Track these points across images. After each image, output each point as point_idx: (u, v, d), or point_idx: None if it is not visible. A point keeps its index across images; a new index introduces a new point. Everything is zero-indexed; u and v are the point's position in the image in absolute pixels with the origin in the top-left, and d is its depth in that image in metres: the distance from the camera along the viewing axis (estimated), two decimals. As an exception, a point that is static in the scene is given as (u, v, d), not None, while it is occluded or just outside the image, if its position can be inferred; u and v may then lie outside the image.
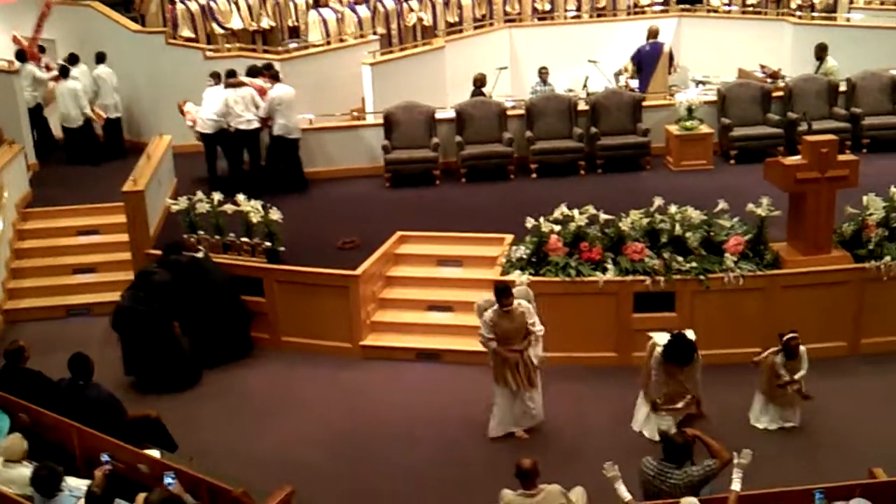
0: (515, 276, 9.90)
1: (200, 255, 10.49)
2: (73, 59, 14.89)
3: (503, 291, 8.54)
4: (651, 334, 8.88)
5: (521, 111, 13.94)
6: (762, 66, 15.74)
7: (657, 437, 7.71)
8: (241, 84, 13.15)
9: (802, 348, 8.62)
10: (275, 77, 13.29)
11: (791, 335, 8.55)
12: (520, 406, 8.81)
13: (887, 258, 9.82)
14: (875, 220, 10.05)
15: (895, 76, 14.15)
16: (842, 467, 7.71)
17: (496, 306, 8.51)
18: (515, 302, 8.52)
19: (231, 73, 13.29)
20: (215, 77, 13.38)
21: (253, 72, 13.56)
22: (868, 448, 8.24)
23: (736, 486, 6.61)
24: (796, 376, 8.54)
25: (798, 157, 10.02)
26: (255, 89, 13.18)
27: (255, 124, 13.15)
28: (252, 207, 10.80)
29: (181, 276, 10.20)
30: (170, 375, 9.97)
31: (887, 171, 11.86)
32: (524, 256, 10.16)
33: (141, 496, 6.48)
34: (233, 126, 13.10)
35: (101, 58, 14.82)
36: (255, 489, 6.96)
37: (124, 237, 11.59)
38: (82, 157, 14.59)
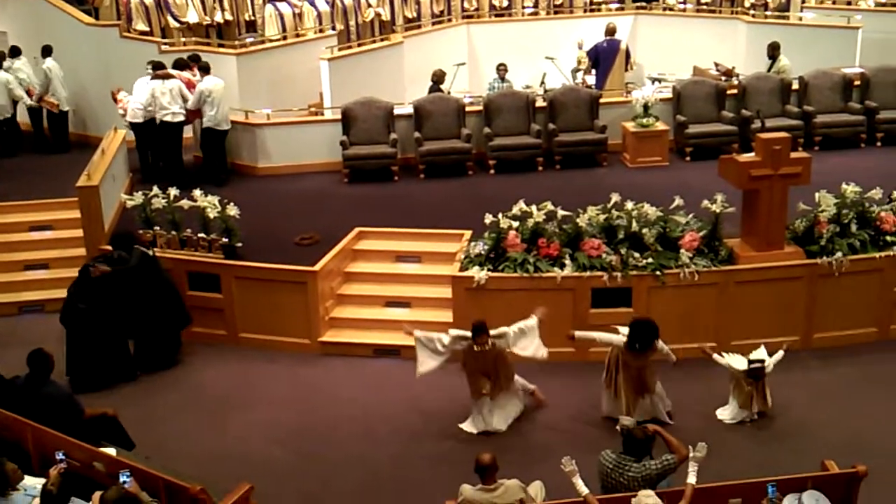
0: (474, 272, 9.94)
1: (150, 253, 10.39)
2: (13, 52, 14.87)
3: (479, 329, 8.62)
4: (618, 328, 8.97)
5: (480, 107, 13.98)
6: (716, 64, 15.93)
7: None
8: (169, 76, 13.20)
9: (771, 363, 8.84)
10: (204, 69, 13.32)
11: (758, 364, 8.74)
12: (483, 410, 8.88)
13: (838, 254, 9.99)
14: (827, 216, 10.21)
15: (846, 75, 14.40)
16: (794, 460, 7.86)
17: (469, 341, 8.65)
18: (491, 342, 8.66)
19: (158, 66, 13.32)
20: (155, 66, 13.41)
21: (180, 64, 13.57)
22: (820, 440, 8.40)
23: (692, 479, 6.71)
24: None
25: (752, 154, 10.16)
26: (183, 82, 13.26)
27: (181, 117, 13.23)
28: (209, 203, 10.71)
29: (125, 272, 10.06)
30: (105, 372, 9.89)
31: (839, 169, 12.06)
32: (482, 252, 10.20)
33: (97, 495, 6.41)
34: (158, 117, 13.16)
35: (47, 51, 14.70)
36: (214, 486, 6.92)
37: (78, 233, 11.43)
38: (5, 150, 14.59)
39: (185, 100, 13.15)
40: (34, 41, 14.99)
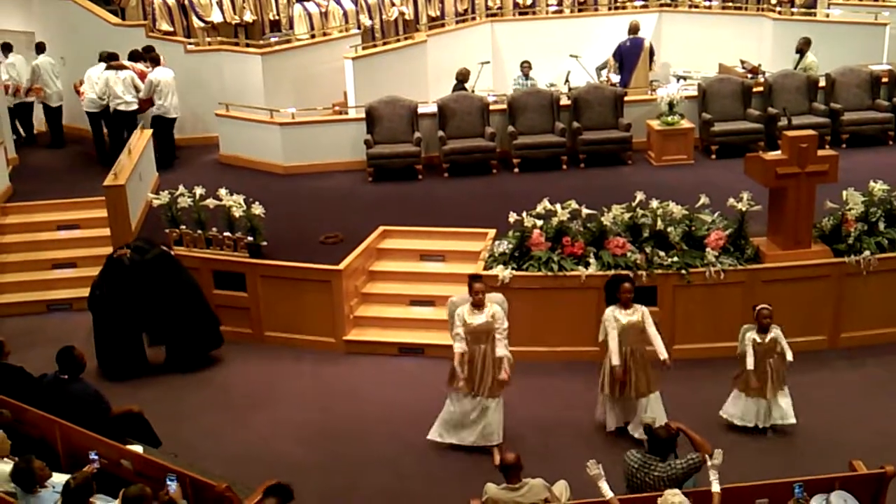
0: (498, 270, 9.93)
1: (170, 252, 10.48)
2: (4, 48, 15.29)
3: (475, 277, 8.55)
4: None
5: (504, 106, 13.96)
6: (742, 62, 15.80)
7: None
8: (122, 66, 13.82)
9: (778, 331, 8.56)
10: (154, 61, 13.90)
11: (763, 306, 8.56)
12: (467, 416, 8.54)
13: (866, 253, 9.91)
14: (854, 215, 10.12)
15: (874, 72, 14.26)
16: (822, 460, 7.80)
17: (468, 303, 8.46)
18: (489, 305, 8.42)
19: (112, 56, 13.91)
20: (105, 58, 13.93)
21: (134, 56, 14.11)
22: (848, 441, 8.33)
23: (715, 487, 6.62)
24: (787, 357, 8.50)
25: (778, 152, 10.08)
26: (136, 73, 13.81)
27: (134, 106, 13.82)
28: (234, 202, 10.76)
29: (141, 263, 10.12)
30: (119, 361, 10.02)
31: (866, 166, 11.95)
32: (507, 251, 10.18)
33: (124, 491, 6.47)
34: (112, 106, 13.77)
35: (40, 48, 15.21)
36: (239, 484, 6.97)
37: (105, 232, 11.53)
38: None
39: (137, 90, 13.79)
40: (60, 41, 15.15)
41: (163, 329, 10.26)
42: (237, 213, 10.71)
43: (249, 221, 10.75)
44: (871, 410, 8.94)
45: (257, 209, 10.77)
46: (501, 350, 8.36)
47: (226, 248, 10.82)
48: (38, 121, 15.66)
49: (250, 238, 10.73)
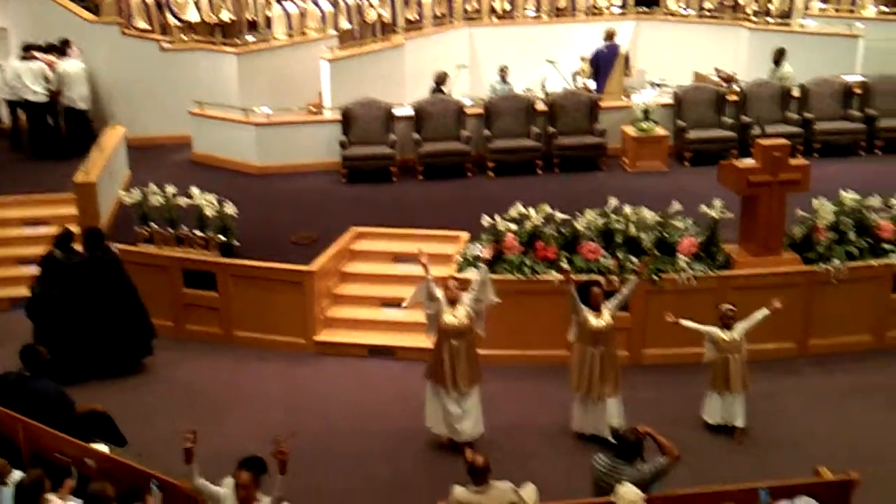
0: (471, 274, 9.92)
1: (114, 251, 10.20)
2: None
3: (450, 279, 8.57)
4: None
5: (480, 110, 13.96)
6: (717, 70, 15.92)
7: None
8: (33, 57, 14.09)
9: (742, 327, 8.65)
10: (62, 52, 14.19)
11: (727, 306, 8.65)
12: (447, 412, 8.56)
13: (836, 261, 9.98)
14: (825, 224, 10.20)
15: (847, 83, 14.39)
16: (788, 466, 7.83)
17: (444, 300, 8.45)
18: (463, 303, 8.44)
19: (27, 48, 14.24)
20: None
21: (46, 47, 14.39)
22: (814, 447, 8.37)
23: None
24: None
25: (751, 160, 10.15)
26: (46, 63, 14.07)
27: (42, 97, 14.04)
28: (206, 201, 10.70)
29: (76, 263, 9.92)
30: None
31: (837, 176, 12.04)
32: (480, 254, 10.17)
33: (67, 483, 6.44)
34: (24, 96, 14.06)
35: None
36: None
37: (75, 229, 11.38)
38: None
39: (47, 80, 13.99)
40: (33, 37, 14.97)
41: (98, 330, 9.94)
42: (209, 212, 10.66)
43: (221, 221, 10.69)
44: (838, 418, 8.99)
45: (230, 208, 10.72)
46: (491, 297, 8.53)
47: (197, 247, 10.75)
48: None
49: (222, 237, 10.67)
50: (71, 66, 14.10)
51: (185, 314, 10.83)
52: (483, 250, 9.80)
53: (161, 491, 6.62)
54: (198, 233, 10.72)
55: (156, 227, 10.85)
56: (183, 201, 10.78)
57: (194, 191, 10.82)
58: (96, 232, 10.22)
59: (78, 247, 10.15)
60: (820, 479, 6.92)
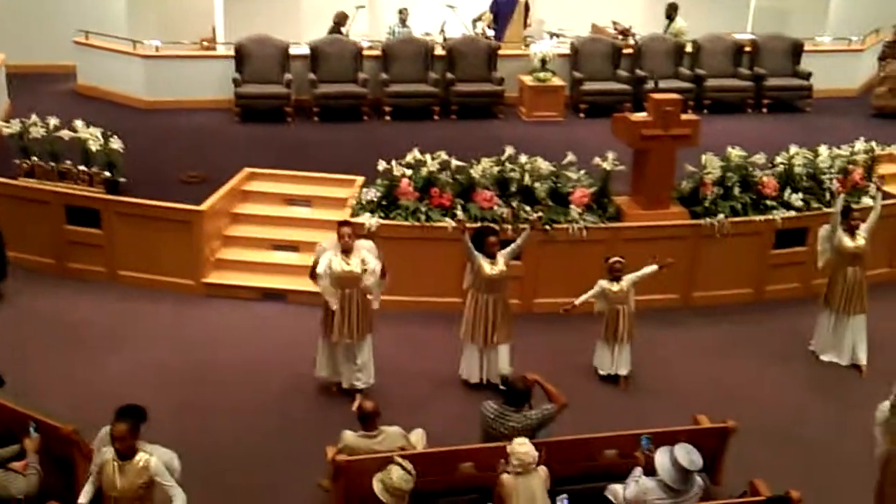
0: (365, 218, 9.86)
1: None
2: None
3: (343, 223, 8.41)
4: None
5: (378, 52, 13.77)
6: (614, 23, 16.05)
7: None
8: None
9: (629, 278, 8.81)
10: None
11: (615, 258, 8.80)
12: (342, 360, 8.51)
13: (721, 216, 10.26)
14: (712, 178, 10.46)
15: (737, 41, 14.71)
16: (669, 413, 8.08)
17: (337, 249, 8.34)
18: (357, 251, 8.33)
19: None
20: None
21: None
22: (694, 396, 8.65)
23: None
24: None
25: (644, 114, 10.30)
26: None
27: None
28: (91, 135, 10.32)
29: None
30: None
31: (726, 132, 12.35)
32: (374, 199, 10.10)
33: None
34: None
35: None
36: (87, 427, 6.71)
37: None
38: None
39: None
40: None
41: None
42: (94, 146, 10.29)
43: (107, 156, 10.34)
44: (718, 367, 9.31)
45: (116, 143, 10.37)
46: (376, 304, 8.40)
47: (80, 183, 10.37)
48: None
49: (107, 173, 10.31)
50: None
51: (67, 252, 10.47)
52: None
53: (38, 433, 6.42)
54: (82, 168, 10.33)
55: (37, 160, 10.41)
56: (66, 134, 10.37)
57: (78, 124, 10.41)
58: None
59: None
60: (699, 426, 7.19)
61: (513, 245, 8.67)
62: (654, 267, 8.85)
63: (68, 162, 10.38)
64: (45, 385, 8.42)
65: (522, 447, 6.17)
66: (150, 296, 10.18)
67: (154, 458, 5.80)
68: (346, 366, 8.51)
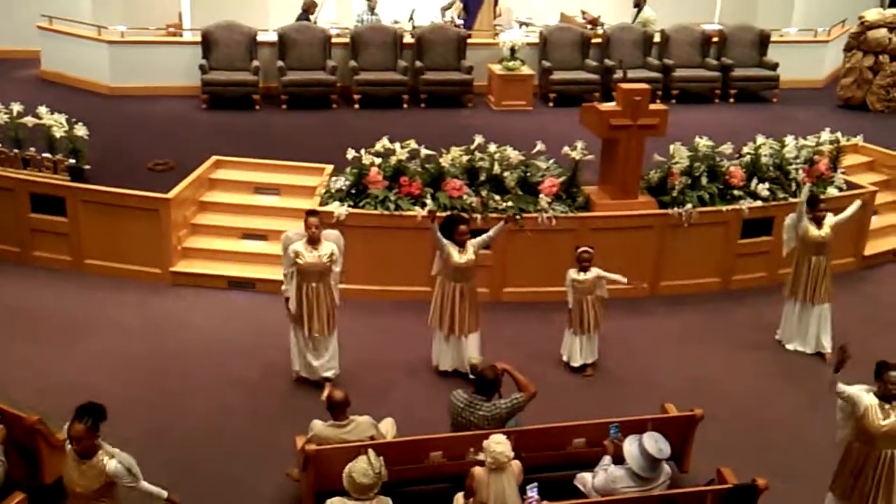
0: (334, 207, 9.82)
1: None
2: None
3: (311, 212, 8.30)
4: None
5: (347, 40, 13.70)
6: (583, 13, 16.08)
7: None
8: None
9: (598, 271, 8.81)
10: None
11: (584, 248, 8.80)
12: (311, 353, 8.48)
13: (689, 206, 10.33)
14: (679, 168, 10.52)
15: (705, 31, 14.80)
16: (637, 402, 8.14)
17: (303, 240, 8.27)
18: (324, 243, 8.28)
19: None
20: None
21: None
22: (661, 384, 8.72)
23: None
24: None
25: (612, 103, 10.33)
26: None
27: None
28: (55, 121, 10.18)
29: None
30: None
31: (693, 123, 12.43)
32: (343, 188, 10.06)
33: None
34: None
35: None
36: (52, 417, 6.64)
37: None
38: None
39: None
40: None
41: None
42: (58, 133, 10.15)
43: (71, 143, 10.20)
44: (685, 356, 9.38)
45: (80, 130, 10.24)
46: (336, 298, 8.32)
47: (45, 170, 10.22)
48: None
49: (72, 160, 10.18)
50: None
51: (31, 240, 10.34)
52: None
53: (2, 423, 6.34)
54: (46, 155, 10.18)
55: (0, 147, 10.24)
56: (30, 121, 10.22)
57: (42, 110, 10.27)
58: None
59: None
60: (666, 414, 7.25)
61: (484, 235, 8.67)
62: (624, 280, 8.83)
63: (32, 149, 10.24)
64: (9, 374, 8.31)
65: (500, 445, 6.12)
66: (116, 285, 10.08)
67: (114, 461, 5.70)
68: (315, 357, 8.46)
